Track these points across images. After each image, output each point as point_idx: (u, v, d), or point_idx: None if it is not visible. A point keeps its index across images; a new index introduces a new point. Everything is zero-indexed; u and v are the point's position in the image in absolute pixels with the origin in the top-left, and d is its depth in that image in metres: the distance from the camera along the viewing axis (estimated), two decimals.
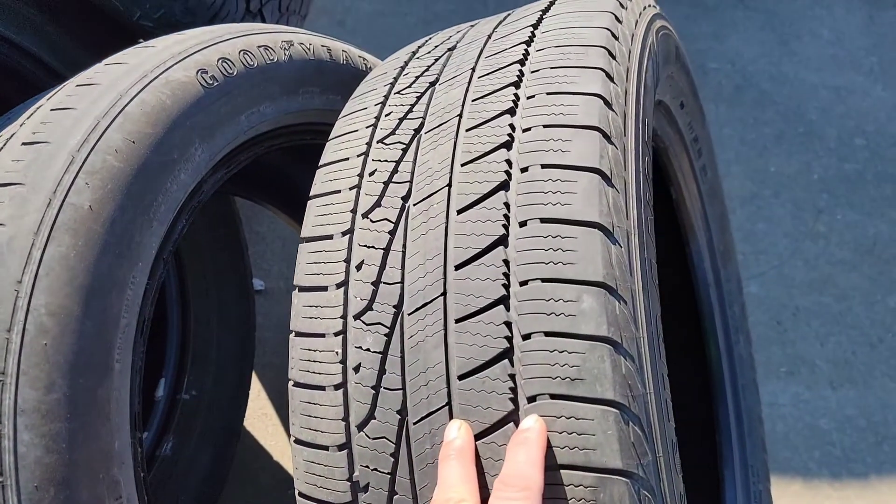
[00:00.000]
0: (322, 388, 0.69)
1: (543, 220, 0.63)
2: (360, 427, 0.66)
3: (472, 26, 0.93)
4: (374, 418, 0.66)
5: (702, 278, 1.36)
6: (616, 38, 0.75)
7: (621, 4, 0.82)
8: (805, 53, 2.40)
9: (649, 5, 0.92)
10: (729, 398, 1.38)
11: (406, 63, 0.89)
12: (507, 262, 0.63)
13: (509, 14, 0.91)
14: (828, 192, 2.18)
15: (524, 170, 0.66)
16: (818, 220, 2.11)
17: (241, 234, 1.32)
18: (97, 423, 0.63)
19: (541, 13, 0.84)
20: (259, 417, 1.52)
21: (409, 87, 0.83)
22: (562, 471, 0.58)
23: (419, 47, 0.93)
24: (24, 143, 0.70)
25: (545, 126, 0.68)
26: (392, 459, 0.65)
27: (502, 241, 0.64)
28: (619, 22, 0.78)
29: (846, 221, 2.13)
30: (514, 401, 0.60)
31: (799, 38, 2.43)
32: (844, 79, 2.38)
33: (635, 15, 0.84)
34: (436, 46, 0.90)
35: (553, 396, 0.59)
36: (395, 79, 0.86)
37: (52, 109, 0.73)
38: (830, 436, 1.81)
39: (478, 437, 0.61)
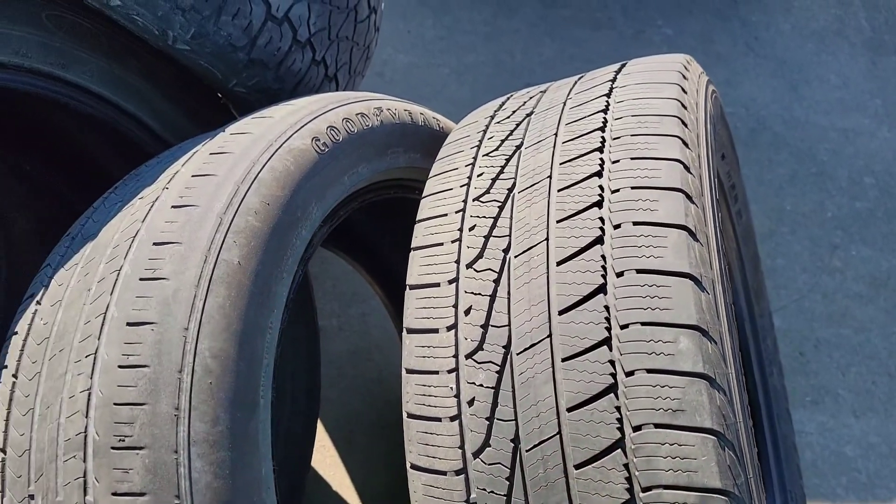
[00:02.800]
0: (438, 419, 0.78)
1: (639, 271, 0.73)
2: (476, 454, 0.75)
3: (542, 92, 1.04)
4: (490, 446, 0.75)
5: (738, 314, 1.45)
6: (685, 108, 0.86)
7: (684, 76, 0.93)
8: (814, 97, 2.53)
9: (702, 73, 1.03)
10: (766, 428, 1.47)
11: (487, 127, 1.00)
12: (607, 308, 0.73)
13: (577, 82, 1.02)
14: (842, 229, 2.29)
15: (617, 226, 0.76)
16: (834, 256, 2.22)
17: (309, 276, 1.42)
18: (250, 452, 0.72)
19: (610, 83, 0.95)
20: (318, 450, 1.60)
21: (497, 149, 0.93)
22: (667, 491, 0.67)
23: (496, 111, 1.04)
24: (173, 206, 0.80)
25: (633, 188, 0.78)
26: (507, 483, 0.73)
27: (601, 289, 0.74)
28: (685, 92, 0.89)
29: (861, 257, 2.23)
30: (621, 430, 0.69)
31: (808, 83, 2.56)
32: (852, 121, 2.51)
33: (695, 84, 0.95)
34: (513, 112, 1.00)
35: (657, 426, 0.68)
36: (480, 142, 0.97)
37: (193, 175, 0.83)
38: (856, 462, 1.89)
39: (587, 462, 0.70)
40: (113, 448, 0.69)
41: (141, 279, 0.75)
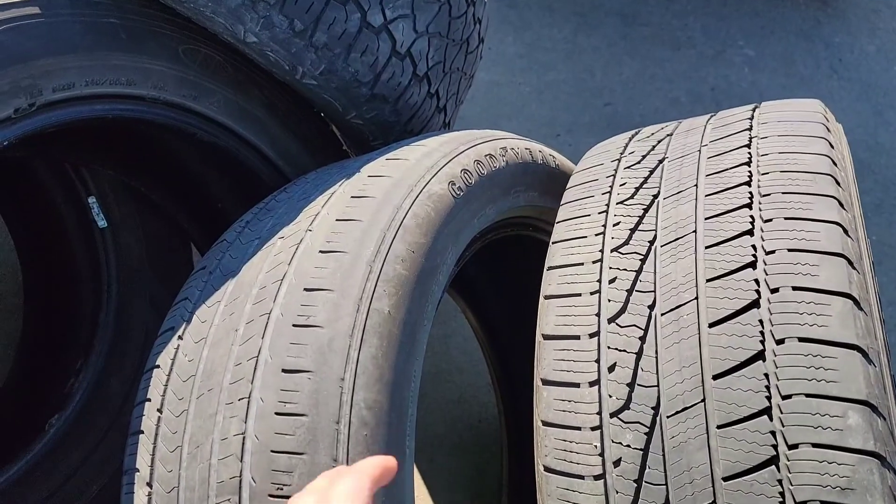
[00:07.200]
0: (581, 477, 0.77)
1: (801, 340, 0.71)
2: None
3: (669, 136, 1.03)
4: None
5: None
6: (836, 165, 0.84)
7: (827, 128, 0.90)
8: None
9: (836, 120, 1.00)
10: None
11: (615, 171, 0.98)
12: (767, 377, 0.71)
13: (707, 125, 1.00)
14: None
15: (774, 290, 0.74)
16: None
17: None
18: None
19: (747, 131, 0.93)
20: None
21: (632, 197, 0.92)
22: None
23: (621, 154, 1.02)
24: (321, 251, 0.81)
25: (789, 250, 0.76)
26: None
27: (760, 356, 0.72)
28: (832, 147, 0.87)
29: None
30: None
31: (893, 109, 2.49)
32: None
33: (837, 136, 0.92)
34: (643, 157, 0.99)
35: (824, 503, 0.66)
36: (611, 187, 0.96)
37: (337, 220, 0.84)
38: None
39: None
40: (271, 496, 0.70)
41: (294, 325, 0.76)
